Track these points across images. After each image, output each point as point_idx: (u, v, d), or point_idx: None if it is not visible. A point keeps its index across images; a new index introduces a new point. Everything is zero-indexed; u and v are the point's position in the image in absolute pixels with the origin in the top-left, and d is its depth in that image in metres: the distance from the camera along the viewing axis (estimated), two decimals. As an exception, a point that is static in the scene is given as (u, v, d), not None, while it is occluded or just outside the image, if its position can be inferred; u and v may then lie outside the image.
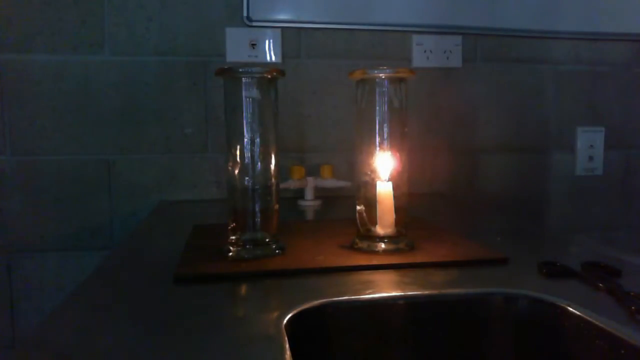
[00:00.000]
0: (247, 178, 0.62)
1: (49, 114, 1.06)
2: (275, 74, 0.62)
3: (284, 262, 0.60)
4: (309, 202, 1.06)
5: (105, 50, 1.07)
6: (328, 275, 0.56)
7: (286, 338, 0.40)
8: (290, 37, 1.13)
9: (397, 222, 0.64)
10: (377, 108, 0.63)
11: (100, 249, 1.09)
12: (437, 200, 1.15)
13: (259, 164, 0.62)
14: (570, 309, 0.47)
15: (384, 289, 0.52)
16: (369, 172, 0.64)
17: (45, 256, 1.08)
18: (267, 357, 0.38)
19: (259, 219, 0.63)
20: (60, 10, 1.05)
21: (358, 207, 0.66)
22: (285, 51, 1.12)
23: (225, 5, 1.10)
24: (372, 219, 0.64)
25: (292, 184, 1.05)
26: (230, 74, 0.62)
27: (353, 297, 0.50)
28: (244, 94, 0.61)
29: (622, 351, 0.41)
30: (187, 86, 1.10)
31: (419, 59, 1.17)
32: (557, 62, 1.23)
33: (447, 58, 1.18)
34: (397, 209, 0.64)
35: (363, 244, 0.64)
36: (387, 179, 0.64)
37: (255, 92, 0.61)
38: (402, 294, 0.51)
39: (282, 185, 0.94)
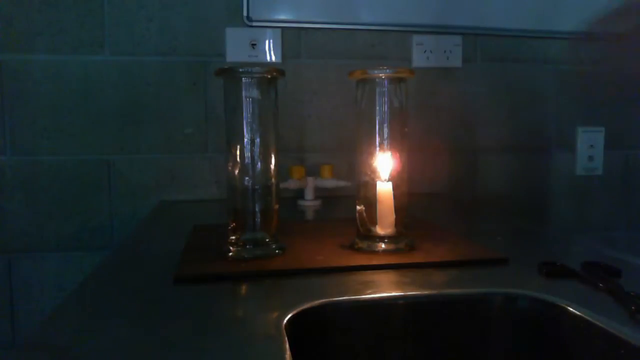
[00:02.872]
0: (247, 178, 0.62)
1: (49, 114, 1.06)
2: (275, 74, 0.62)
3: (284, 262, 0.60)
4: (309, 202, 1.06)
5: (105, 50, 1.07)
6: (328, 275, 0.56)
7: (286, 338, 0.40)
8: (290, 37, 1.13)
9: (397, 222, 0.64)
10: (377, 108, 0.63)
11: (100, 249, 1.09)
12: (437, 200, 1.15)
13: (259, 164, 0.62)
14: (570, 309, 0.47)
15: (384, 289, 0.52)
16: (369, 172, 0.64)
17: (45, 256, 1.08)
18: (267, 357, 0.38)
19: (259, 219, 0.62)
20: (60, 10, 1.05)
21: (358, 207, 0.66)
22: (285, 51, 1.12)
23: (225, 5, 1.10)
24: (372, 219, 0.64)
25: (292, 184, 1.05)
26: (230, 74, 0.62)
27: (353, 297, 0.50)
28: (244, 94, 0.61)
29: (622, 351, 0.41)
30: (187, 86, 1.10)
31: (419, 59, 1.17)
32: (557, 62, 1.23)
33: (447, 58, 1.18)
34: (397, 209, 0.64)
35: (363, 244, 0.64)
36: (387, 179, 0.64)
37: (255, 92, 0.61)
38: (402, 294, 0.51)
39: (282, 185, 0.94)
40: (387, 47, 1.16)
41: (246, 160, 0.62)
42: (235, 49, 1.10)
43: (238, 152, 0.62)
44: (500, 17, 1.19)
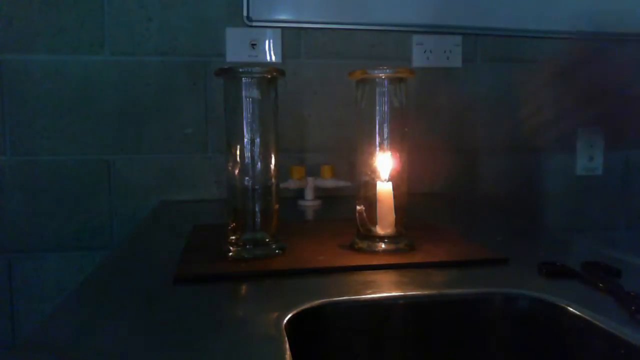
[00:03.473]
0: (247, 178, 0.62)
1: (49, 114, 1.06)
2: (275, 74, 0.62)
3: (284, 262, 0.60)
4: (309, 202, 1.06)
5: (105, 50, 1.07)
6: (328, 275, 0.56)
7: (286, 338, 0.40)
8: (290, 37, 1.13)
9: (397, 222, 0.64)
10: (377, 108, 0.63)
11: (100, 249, 1.09)
12: (437, 200, 1.15)
13: (259, 164, 0.62)
14: (570, 309, 0.47)
15: (384, 289, 0.52)
16: (369, 172, 0.64)
17: (45, 256, 1.08)
18: (267, 357, 0.38)
19: (259, 219, 0.62)
20: (60, 10, 1.05)
21: (358, 207, 0.66)
22: (285, 51, 1.12)
23: (225, 5, 1.10)
24: (372, 219, 0.64)
25: (292, 184, 1.05)
26: (230, 74, 0.62)
27: (353, 297, 0.50)
28: (244, 94, 0.61)
29: (622, 351, 0.41)
30: (187, 86, 1.10)
31: (419, 59, 1.17)
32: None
33: (447, 58, 1.18)
34: (397, 209, 0.64)
35: (363, 244, 0.64)
36: (387, 179, 0.64)
37: (255, 92, 0.61)
38: (402, 294, 0.51)
39: (282, 185, 0.94)
40: (387, 47, 1.16)
41: (246, 160, 0.62)
42: (235, 49, 1.10)
43: (238, 152, 0.62)
44: (500, 17, 1.19)
